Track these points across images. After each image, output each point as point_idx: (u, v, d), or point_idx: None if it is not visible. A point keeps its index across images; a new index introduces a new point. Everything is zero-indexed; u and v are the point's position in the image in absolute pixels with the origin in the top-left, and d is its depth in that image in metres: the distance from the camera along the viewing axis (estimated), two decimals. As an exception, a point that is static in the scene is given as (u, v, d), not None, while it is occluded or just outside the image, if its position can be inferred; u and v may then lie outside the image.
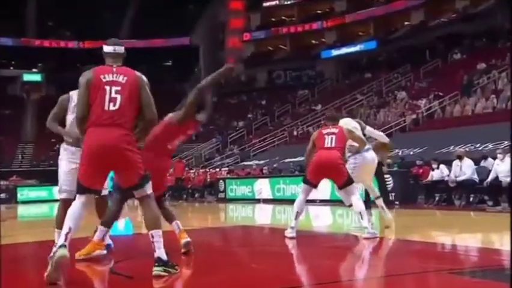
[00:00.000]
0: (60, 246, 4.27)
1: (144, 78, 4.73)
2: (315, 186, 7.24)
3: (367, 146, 7.63)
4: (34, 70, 46.17)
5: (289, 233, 7.04)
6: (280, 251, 6.45)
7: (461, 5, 35.11)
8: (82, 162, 4.54)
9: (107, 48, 4.71)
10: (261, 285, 4.37)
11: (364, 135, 7.87)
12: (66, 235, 4.35)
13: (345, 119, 8.19)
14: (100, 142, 4.43)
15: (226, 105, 40.47)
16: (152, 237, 4.49)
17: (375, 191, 8.37)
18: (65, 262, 4.19)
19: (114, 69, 4.60)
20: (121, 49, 4.71)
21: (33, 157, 37.67)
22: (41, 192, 27.40)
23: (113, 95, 4.47)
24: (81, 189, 4.49)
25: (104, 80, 4.50)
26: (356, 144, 7.39)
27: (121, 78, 4.54)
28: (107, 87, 4.48)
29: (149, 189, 4.60)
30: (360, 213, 6.85)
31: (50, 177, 30.95)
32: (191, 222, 13.38)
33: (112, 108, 4.46)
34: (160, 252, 4.45)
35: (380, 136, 8.49)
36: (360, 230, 7.12)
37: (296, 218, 7.12)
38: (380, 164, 12.18)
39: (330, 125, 7.44)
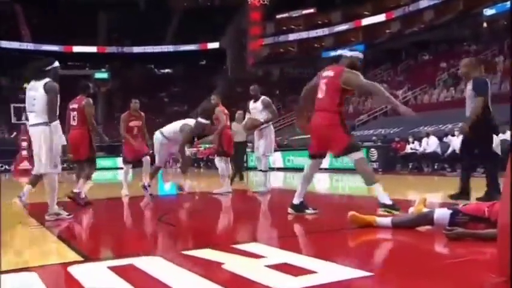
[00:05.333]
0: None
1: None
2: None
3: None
4: (103, 70, 46.92)
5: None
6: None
7: (428, 18, 34.59)
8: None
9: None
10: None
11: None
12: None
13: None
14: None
15: (248, 94, 40.39)
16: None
17: None
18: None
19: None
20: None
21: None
22: (107, 162, 27.71)
23: None
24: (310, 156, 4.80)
25: None
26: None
27: None
28: None
29: (355, 156, 4.50)
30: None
31: (114, 150, 31.22)
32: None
33: None
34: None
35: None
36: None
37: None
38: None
39: None
